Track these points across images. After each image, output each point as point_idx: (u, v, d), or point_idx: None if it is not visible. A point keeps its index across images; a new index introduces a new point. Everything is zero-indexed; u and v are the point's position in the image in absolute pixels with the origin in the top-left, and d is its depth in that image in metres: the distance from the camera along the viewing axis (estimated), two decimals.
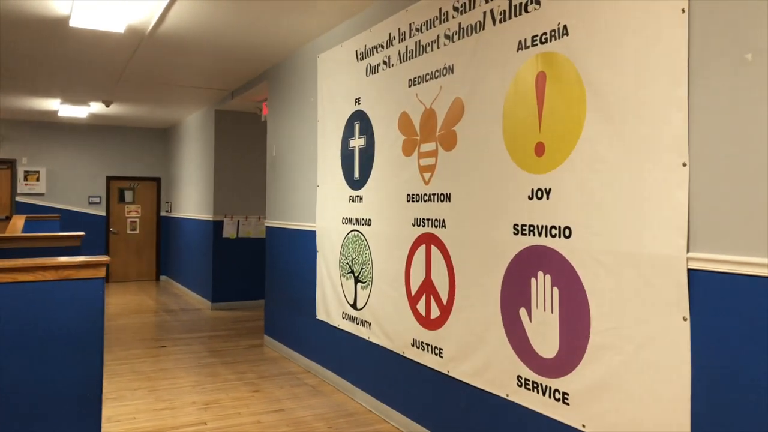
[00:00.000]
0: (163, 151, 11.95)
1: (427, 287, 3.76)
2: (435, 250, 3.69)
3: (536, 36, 2.94)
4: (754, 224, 2.02)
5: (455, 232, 3.52)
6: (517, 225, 3.03)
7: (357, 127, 4.65)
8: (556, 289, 2.80)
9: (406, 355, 3.97)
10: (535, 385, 2.90)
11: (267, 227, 6.62)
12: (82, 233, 4.20)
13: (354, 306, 4.64)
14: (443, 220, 3.62)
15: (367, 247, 4.47)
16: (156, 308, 8.84)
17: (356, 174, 4.65)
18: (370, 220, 4.45)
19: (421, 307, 3.82)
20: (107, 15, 4.71)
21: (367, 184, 4.50)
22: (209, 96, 8.35)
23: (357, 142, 4.65)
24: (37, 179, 10.98)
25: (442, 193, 3.63)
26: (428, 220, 3.76)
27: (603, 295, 2.56)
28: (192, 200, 9.98)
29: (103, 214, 11.49)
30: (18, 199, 10.88)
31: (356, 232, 4.62)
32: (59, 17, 4.91)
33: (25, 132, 10.88)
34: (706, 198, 2.17)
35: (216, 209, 8.77)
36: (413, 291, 3.90)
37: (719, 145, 2.13)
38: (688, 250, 2.22)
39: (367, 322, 4.46)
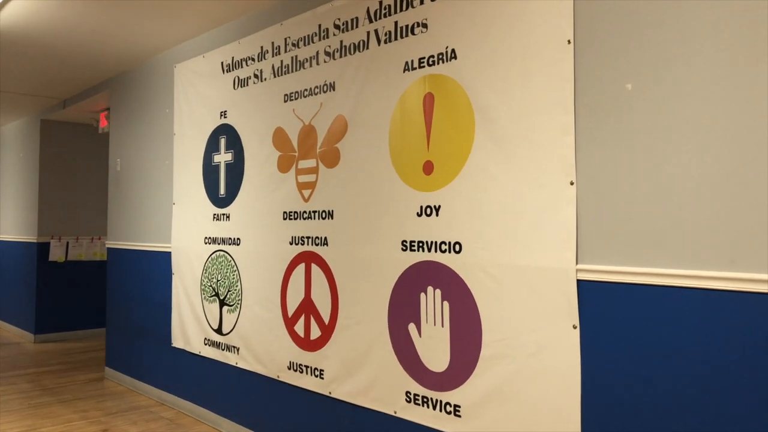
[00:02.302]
0: None
1: (307, 307, 3.66)
2: (316, 269, 3.61)
3: (423, 58, 3.04)
4: (635, 237, 2.24)
5: (338, 250, 3.48)
6: (406, 241, 3.07)
7: (223, 141, 4.45)
8: (446, 303, 2.87)
9: (281, 379, 3.82)
10: (426, 399, 2.94)
11: (108, 249, 6.06)
12: None
13: (219, 331, 4.39)
14: (325, 237, 3.57)
15: (235, 268, 4.26)
16: None
17: (222, 191, 4.43)
18: (238, 239, 4.25)
19: (299, 328, 3.71)
20: None
21: (235, 201, 4.30)
22: (35, 104, 7.51)
23: (223, 157, 4.44)
24: None
25: (323, 211, 3.58)
26: (308, 238, 3.68)
27: (494, 306, 2.67)
28: (10, 219, 8.84)
29: None
30: None
31: (222, 252, 4.39)
32: None
33: None
34: (592, 213, 2.37)
35: (41, 230, 7.85)
36: (290, 312, 3.78)
37: (604, 166, 2.34)
38: (576, 262, 2.39)
39: (234, 347, 4.23)
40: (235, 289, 4.24)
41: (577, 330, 2.38)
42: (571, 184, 2.42)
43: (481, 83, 2.76)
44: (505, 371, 2.61)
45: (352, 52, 3.45)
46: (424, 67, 3.03)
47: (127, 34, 4.81)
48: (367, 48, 3.35)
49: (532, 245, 2.54)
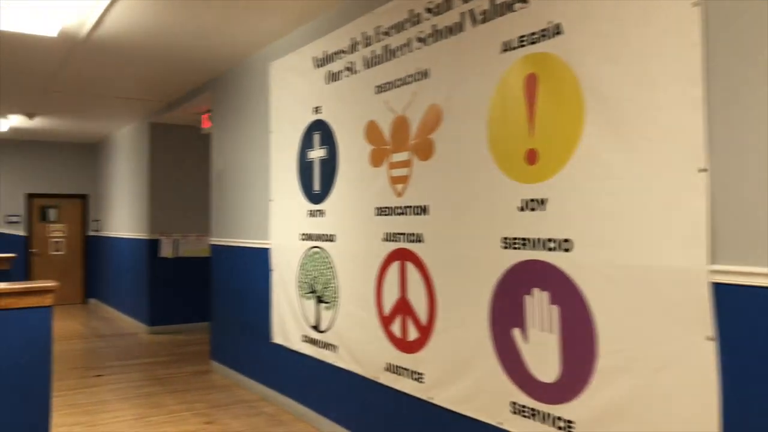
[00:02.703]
0: (92, 166, 11.21)
1: (403, 307, 3.50)
2: (411, 267, 3.44)
3: (524, 36, 2.76)
4: None
5: (434, 247, 3.28)
6: (507, 238, 2.82)
7: (317, 137, 4.37)
8: (555, 307, 2.60)
9: (379, 380, 3.69)
10: (534, 412, 2.69)
11: (212, 246, 6.20)
12: (14, 255, 3.71)
13: (316, 328, 4.32)
14: (419, 234, 3.38)
15: (330, 265, 4.17)
16: (86, 334, 8.17)
17: (316, 187, 4.36)
18: (333, 235, 4.15)
19: (396, 328, 3.55)
20: (39, 16, 4.24)
21: (329, 197, 4.21)
22: (144, 108, 7.84)
23: (317, 154, 4.36)
24: None
25: (417, 206, 3.40)
26: (402, 234, 3.51)
27: (611, 313, 2.38)
28: (125, 218, 9.35)
29: (23, 234, 10.63)
30: None
31: (317, 249, 4.32)
32: None
33: None
34: (728, 205, 2.02)
35: (152, 227, 8.22)
36: (386, 311, 3.63)
37: (743, 148, 1.99)
38: (710, 262, 2.06)
39: (332, 345, 4.15)
40: (331, 287, 4.15)
41: (713, 342, 2.05)
42: (702, 170, 2.09)
43: (591, 58, 2.46)
44: (626, 387, 2.31)
45: (445, 36, 3.22)
46: (524, 45, 2.76)
47: (223, 34, 4.84)
48: (462, 30, 3.12)
49: (655, 243, 2.22)
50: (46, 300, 2.26)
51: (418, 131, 3.39)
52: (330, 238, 4.18)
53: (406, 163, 3.49)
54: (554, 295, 2.61)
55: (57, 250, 10.98)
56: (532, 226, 2.71)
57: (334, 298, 4.12)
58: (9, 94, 6.94)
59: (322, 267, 4.26)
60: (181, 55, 5.46)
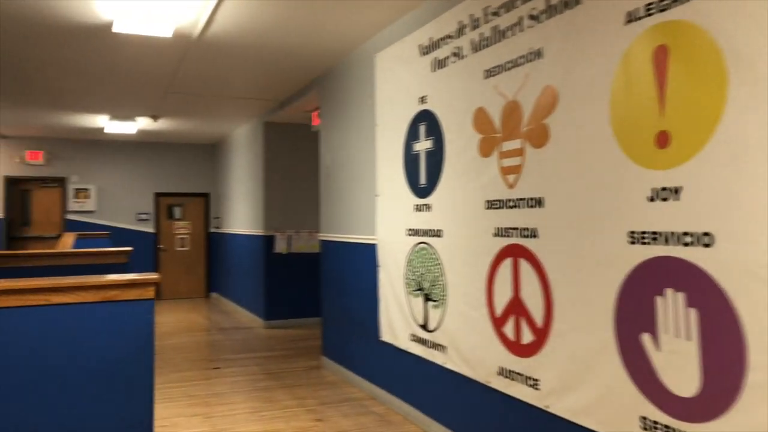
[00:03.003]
0: (212, 166, 11.76)
1: (516, 307, 3.25)
2: (524, 264, 3.19)
3: (651, 4, 2.44)
4: None
5: (550, 243, 3.01)
6: (635, 233, 2.51)
7: (422, 128, 4.20)
8: (693, 311, 2.27)
9: (491, 384, 3.47)
10: (668, 429, 2.37)
11: (321, 241, 6.22)
12: (130, 248, 3.88)
13: (425, 327, 4.17)
14: (534, 229, 3.12)
15: (438, 261, 4.00)
16: (208, 326, 8.54)
17: (422, 180, 4.20)
18: (440, 230, 3.98)
19: (508, 330, 3.32)
20: (153, 18, 4.39)
21: (435, 190, 4.03)
22: (257, 107, 8.06)
23: (423, 145, 4.20)
24: (87, 197, 10.91)
25: (531, 198, 3.14)
26: (514, 229, 3.26)
27: (763, 319, 2.02)
28: (241, 215, 9.70)
29: (152, 231, 11.34)
30: (68, 217, 10.82)
31: (424, 245, 4.16)
32: (101, 23, 4.63)
33: (75, 150, 10.84)
34: None
35: (266, 224, 8.44)
36: (498, 311, 3.40)
37: None
38: None
39: (441, 345, 3.98)
40: (439, 284, 3.98)
41: None
42: None
43: (736, 23, 2.11)
44: None
45: (560, 11, 2.94)
46: (652, 14, 2.43)
47: (329, 28, 4.79)
48: (579, 3, 2.83)
49: None
50: (148, 293, 2.26)
51: (532, 116, 3.13)
52: (437, 234, 4.01)
53: (518, 152, 3.24)
54: (692, 297, 2.27)
55: (182, 246, 11.62)
56: (663, 218, 2.38)
57: (443, 296, 3.94)
58: (134, 97, 7.36)
59: (430, 264, 4.09)
60: (289, 52, 5.49)
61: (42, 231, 10.82)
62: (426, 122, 4.16)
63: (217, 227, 11.45)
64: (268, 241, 8.45)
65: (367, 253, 5.04)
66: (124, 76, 6.29)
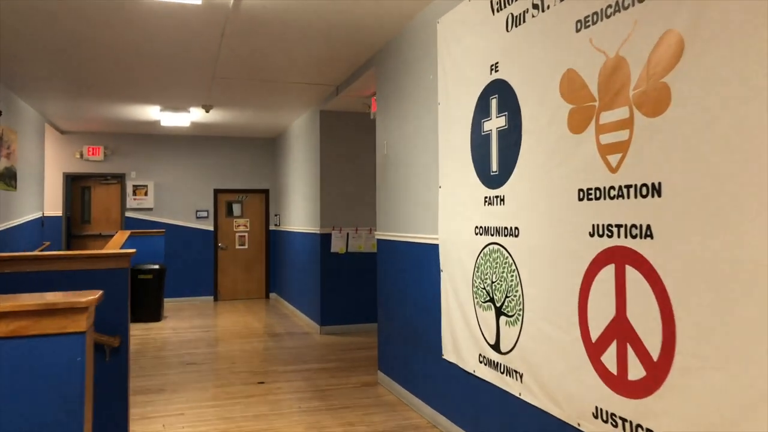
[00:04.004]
0: (271, 161, 11.31)
1: (621, 330, 2.44)
2: (633, 273, 2.37)
3: None
4: None
5: (672, 244, 2.18)
6: None
7: (494, 103, 3.43)
8: None
9: (582, 429, 2.66)
10: None
11: (378, 240, 5.52)
12: (132, 251, 3.35)
13: (496, 348, 3.39)
14: (647, 226, 2.30)
15: (513, 267, 3.21)
16: (262, 332, 8.02)
17: (494, 167, 3.42)
18: (516, 228, 3.19)
19: (609, 359, 2.50)
20: None
21: (510, 178, 3.25)
22: (312, 95, 7.45)
23: (494, 124, 3.42)
24: (146, 194, 10.67)
25: (644, 184, 2.32)
26: (619, 226, 2.44)
27: None
28: (299, 212, 9.15)
29: (211, 228, 10.99)
30: (127, 214, 10.61)
31: (496, 246, 3.38)
32: None
33: (133, 145, 10.62)
34: None
35: (323, 221, 7.83)
36: (594, 334, 2.59)
37: None
38: None
39: (516, 372, 3.19)
40: (515, 295, 3.19)
41: None
42: None
43: None
44: None
45: None
46: None
47: None
48: None
49: None
50: (77, 323, 1.60)
51: (644, 75, 2.31)
52: (512, 232, 3.22)
53: (624, 124, 2.42)
54: None
55: (242, 245, 11.22)
56: None
57: (519, 310, 3.15)
58: (182, 84, 6.90)
59: (503, 269, 3.31)
60: (338, 25, 4.82)
61: (102, 229, 10.66)
62: (498, 95, 3.38)
63: (277, 225, 10.98)
64: (325, 239, 7.83)
65: (428, 254, 4.31)
66: (167, 58, 5.81)
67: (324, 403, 4.82)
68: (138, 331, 8.07)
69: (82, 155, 10.40)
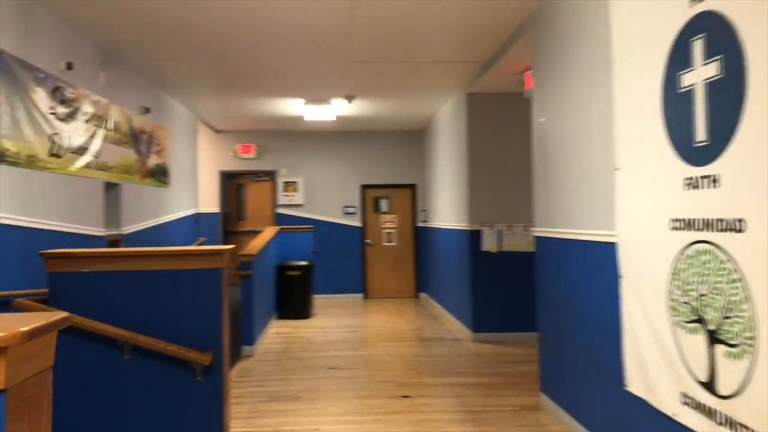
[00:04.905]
0: (418, 154, 10.75)
1: None
2: None
3: None
4: None
5: None
6: None
7: (698, 46, 2.47)
8: None
9: None
10: None
11: (535, 237, 4.67)
12: (230, 247, 2.88)
13: (710, 387, 2.43)
14: None
15: (735, 276, 2.25)
16: (410, 335, 7.45)
17: (699, 135, 2.47)
18: (740, 221, 2.23)
19: None
20: None
21: (728, 150, 2.29)
22: (457, 75, 6.72)
23: (699, 75, 2.47)
24: (295, 190, 10.61)
25: None
26: None
27: None
28: (447, 207, 8.46)
29: (359, 224, 10.67)
30: (278, 210, 10.64)
31: (706, 246, 2.43)
32: None
33: (283, 142, 10.62)
34: None
35: (472, 217, 7.06)
36: None
37: None
38: None
39: (744, 426, 2.23)
40: (740, 316, 2.23)
41: None
42: None
43: None
44: None
45: None
46: None
47: None
48: None
49: None
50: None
51: None
52: (733, 227, 2.26)
53: None
54: None
55: (389, 241, 10.80)
56: None
57: (749, 338, 2.19)
58: (321, 72, 6.52)
59: (718, 278, 2.35)
60: None
61: (255, 225, 10.77)
62: (706, 34, 2.42)
63: (425, 221, 10.39)
64: (475, 237, 7.06)
65: (602, 256, 3.40)
66: (304, 43, 5.42)
67: (478, 429, 4.08)
68: (285, 329, 7.88)
69: (235, 153, 10.57)
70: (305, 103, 7.99)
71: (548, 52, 4.33)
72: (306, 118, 8.60)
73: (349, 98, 7.62)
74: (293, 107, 8.38)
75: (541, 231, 4.52)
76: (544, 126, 4.41)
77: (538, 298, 4.65)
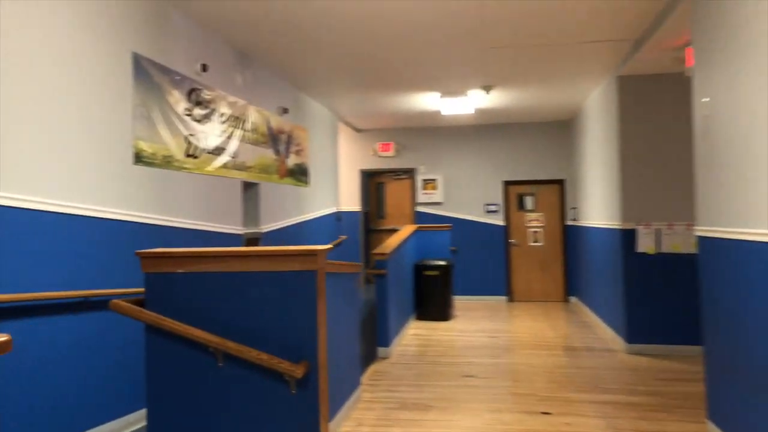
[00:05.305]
0: (565, 147, 10.03)
1: None
2: None
3: None
4: None
5: None
6: None
7: None
8: None
9: None
10: None
11: (699, 238, 3.98)
12: (326, 247, 2.62)
13: None
14: None
15: None
16: (556, 343, 6.88)
17: None
18: None
19: None
20: None
21: None
22: (605, 56, 6.05)
23: None
24: (434, 188, 10.36)
25: None
26: None
27: None
28: (597, 204, 7.74)
29: (502, 223, 10.17)
30: (417, 208, 10.46)
31: None
32: None
33: (421, 139, 10.42)
34: None
35: (625, 214, 6.34)
36: None
37: None
38: None
39: None
40: None
41: None
42: None
43: None
44: None
45: None
46: None
47: None
48: None
49: None
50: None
51: None
52: None
53: None
54: None
55: (535, 241, 10.18)
56: None
57: None
58: (456, 59, 6.20)
59: None
60: None
61: (395, 223, 10.69)
62: None
63: (574, 219, 9.66)
64: (628, 236, 6.33)
65: None
66: (437, 29, 5.13)
67: None
68: (423, 331, 7.64)
69: (375, 152, 10.55)
70: (441, 97, 7.71)
71: (712, 21, 3.65)
72: (443, 113, 8.31)
73: (487, 89, 7.21)
74: (430, 102, 8.13)
75: (705, 230, 3.84)
76: (708, 106, 3.73)
77: (703, 307, 3.97)
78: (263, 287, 2.62)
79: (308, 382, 2.65)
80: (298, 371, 2.58)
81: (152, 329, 2.71)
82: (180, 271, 2.65)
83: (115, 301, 2.52)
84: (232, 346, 2.57)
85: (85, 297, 3.26)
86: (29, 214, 3.05)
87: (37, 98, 3.20)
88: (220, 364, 2.65)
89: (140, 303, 2.67)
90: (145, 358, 2.76)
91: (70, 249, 3.33)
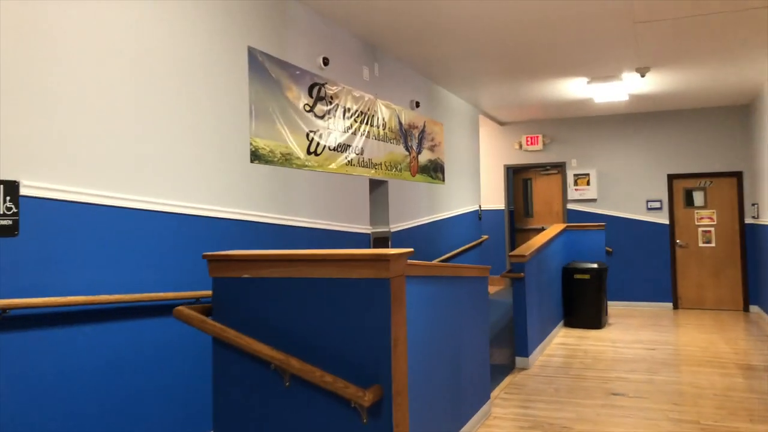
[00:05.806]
0: (743, 134, 8.72)
1: None
2: None
3: None
4: None
5: None
6: None
7: None
8: None
9: None
10: None
11: None
12: (407, 250, 2.19)
13: None
14: None
15: None
16: (729, 360, 5.92)
17: None
18: None
19: None
20: None
21: None
22: None
23: None
24: (587, 183, 9.52)
25: None
26: None
27: None
28: None
29: (665, 222, 9.10)
30: (569, 206, 9.69)
31: None
32: None
33: (572, 131, 9.64)
34: None
35: None
36: None
37: None
38: None
39: None
40: None
41: None
42: None
43: None
44: None
45: None
46: None
47: None
48: None
49: None
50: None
51: None
52: None
53: None
54: None
55: (707, 242, 8.98)
56: None
57: None
58: (602, 39, 5.52)
59: None
60: None
61: (543, 222, 10.03)
62: None
63: (755, 216, 8.35)
64: None
65: None
66: (580, 7, 4.57)
67: None
68: (570, 339, 6.98)
69: (521, 146, 9.96)
70: (588, 82, 6.99)
71: None
72: (595, 100, 7.55)
73: (642, 71, 6.38)
74: (579, 89, 7.42)
75: None
76: None
77: None
78: (331, 296, 2.27)
79: (380, 412, 2.23)
80: (366, 398, 2.16)
81: (218, 341, 2.48)
82: (245, 275, 2.42)
83: (179, 308, 2.34)
84: (295, 365, 2.21)
85: (196, 299, 3.21)
86: (142, 214, 3.05)
87: (151, 97, 3.20)
88: (287, 384, 2.34)
89: (209, 311, 2.47)
90: (212, 374, 2.52)
91: (183, 247, 3.31)
